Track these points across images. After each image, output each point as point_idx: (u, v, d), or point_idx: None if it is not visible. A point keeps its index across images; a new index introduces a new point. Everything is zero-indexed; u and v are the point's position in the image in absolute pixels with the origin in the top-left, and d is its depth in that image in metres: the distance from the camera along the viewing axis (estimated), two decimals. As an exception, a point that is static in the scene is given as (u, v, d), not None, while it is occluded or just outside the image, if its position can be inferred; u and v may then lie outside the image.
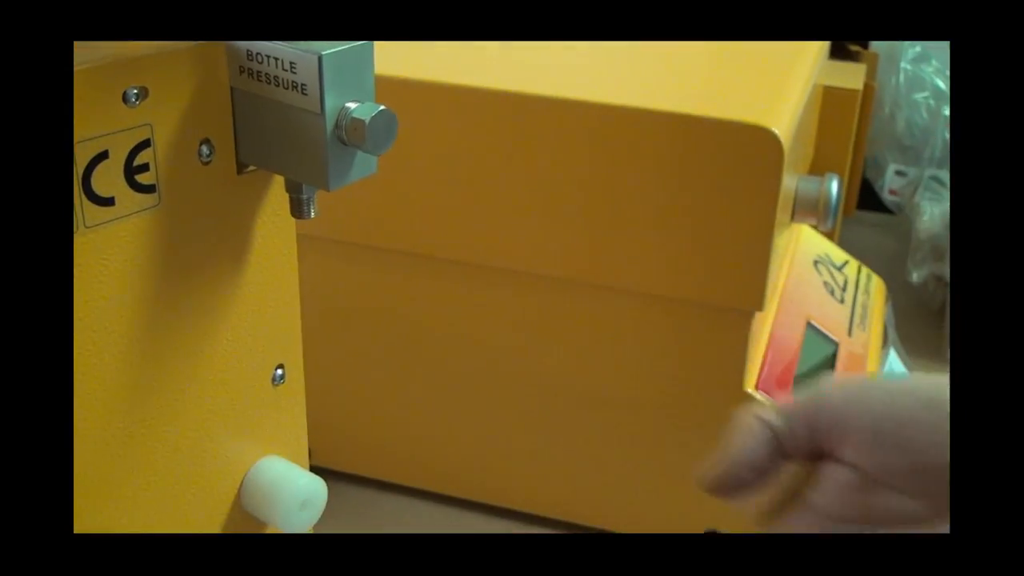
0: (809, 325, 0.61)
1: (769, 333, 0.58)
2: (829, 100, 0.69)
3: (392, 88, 0.34)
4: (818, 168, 0.69)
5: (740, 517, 0.55)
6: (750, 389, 0.53)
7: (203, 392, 0.36)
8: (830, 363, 0.61)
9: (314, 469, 0.40)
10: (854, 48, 0.78)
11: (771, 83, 0.54)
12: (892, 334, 0.71)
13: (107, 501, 0.34)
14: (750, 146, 0.48)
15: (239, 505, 0.39)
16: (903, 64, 0.85)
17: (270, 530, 0.40)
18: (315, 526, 0.39)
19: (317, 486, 0.38)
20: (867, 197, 0.90)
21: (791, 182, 0.54)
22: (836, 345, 0.62)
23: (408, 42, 0.55)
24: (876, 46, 0.80)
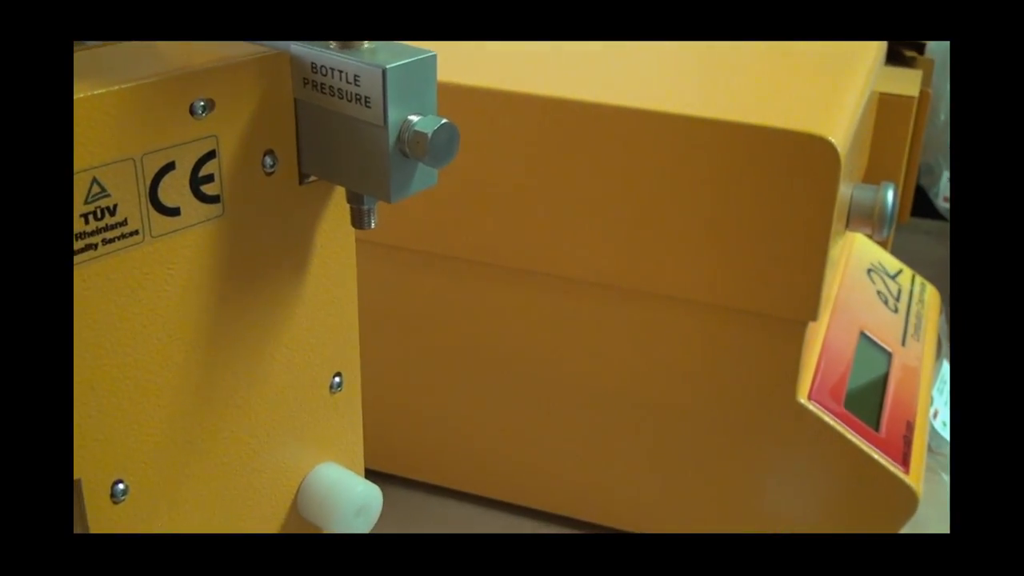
0: (862, 335, 0.61)
1: (822, 343, 0.58)
2: (884, 107, 0.68)
3: (442, 93, 0.34)
4: (872, 175, 0.69)
5: (786, 524, 0.55)
6: (802, 399, 0.53)
7: (263, 399, 0.37)
8: (883, 374, 0.60)
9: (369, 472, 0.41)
10: (909, 54, 0.77)
11: (827, 90, 0.54)
12: (946, 345, 0.71)
13: (168, 503, 0.35)
14: (806, 156, 0.48)
15: (295, 511, 0.39)
16: (959, 69, 0.84)
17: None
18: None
19: (373, 493, 0.39)
20: (921, 204, 0.89)
21: (846, 190, 0.53)
22: (890, 355, 0.62)
23: (454, 47, 0.56)
24: (932, 51, 0.79)
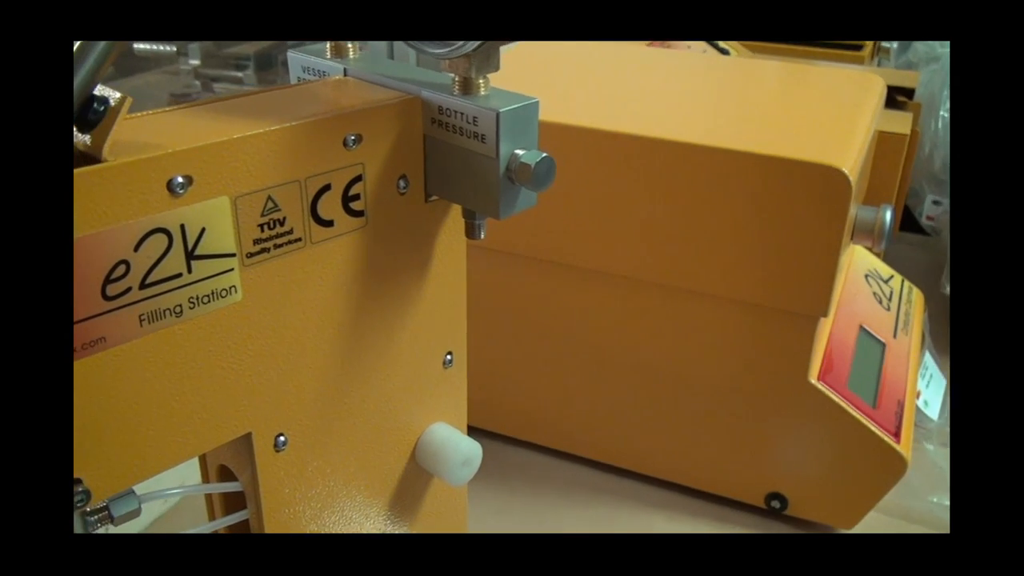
0: (861, 328, 0.60)
1: (828, 334, 0.57)
2: (882, 142, 0.67)
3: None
4: (871, 197, 0.68)
5: (797, 482, 0.55)
6: (813, 380, 0.53)
7: (391, 371, 0.37)
8: (879, 360, 0.59)
9: (470, 429, 0.41)
10: (901, 99, 0.76)
11: (839, 128, 0.53)
12: (928, 338, 0.69)
13: (318, 453, 0.35)
14: (822, 182, 0.47)
15: (414, 460, 0.40)
16: (942, 112, 0.83)
17: (436, 482, 0.41)
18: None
19: (475, 448, 0.39)
20: (908, 222, 0.88)
21: (852, 210, 0.53)
22: (884, 345, 0.61)
23: (548, 92, 0.55)
24: (920, 97, 0.78)
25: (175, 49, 1.02)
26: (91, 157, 0.27)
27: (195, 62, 1.02)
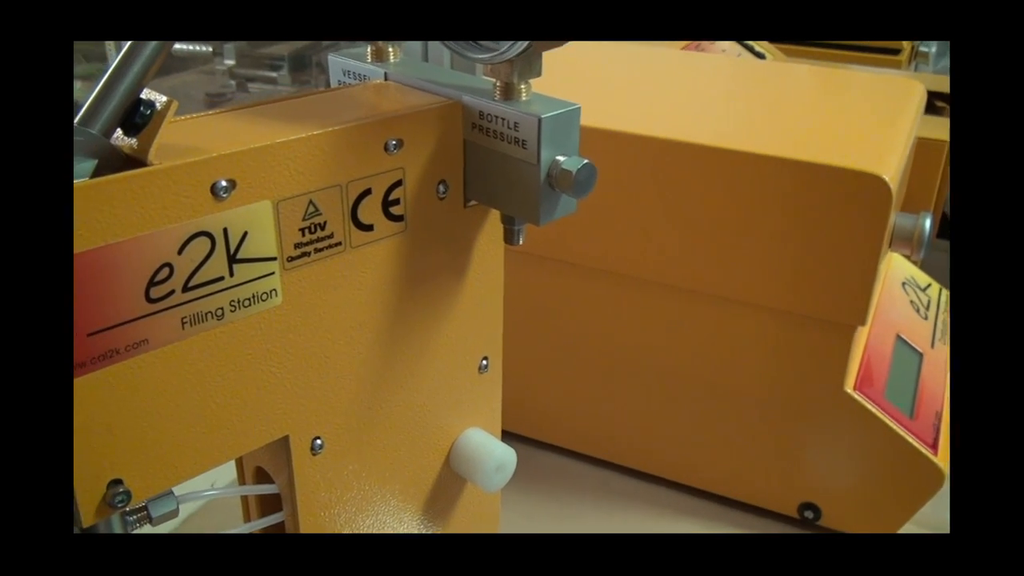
0: (898, 338, 0.59)
1: (865, 343, 0.56)
2: (921, 148, 0.66)
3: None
4: (910, 204, 0.67)
5: (831, 493, 0.54)
6: (849, 389, 0.52)
7: (427, 375, 0.37)
8: (916, 370, 0.58)
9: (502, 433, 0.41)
10: (940, 104, 0.75)
11: (879, 134, 0.52)
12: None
13: (354, 456, 0.35)
14: (864, 190, 0.47)
15: (448, 464, 0.40)
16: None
17: (470, 487, 0.41)
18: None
19: (510, 455, 0.39)
20: (946, 229, 0.86)
21: (891, 218, 0.52)
22: (921, 355, 0.60)
23: (589, 97, 0.55)
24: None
25: (211, 49, 1.03)
26: (137, 160, 0.27)
27: (230, 62, 1.03)
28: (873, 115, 0.56)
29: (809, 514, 0.56)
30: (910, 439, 0.52)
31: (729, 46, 0.91)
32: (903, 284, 0.65)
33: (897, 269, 0.66)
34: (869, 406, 0.52)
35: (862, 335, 0.55)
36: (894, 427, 0.52)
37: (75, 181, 0.25)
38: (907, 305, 0.63)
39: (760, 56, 0.92)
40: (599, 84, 0.62)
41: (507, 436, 0.63)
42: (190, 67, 1.06)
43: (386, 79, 0.36)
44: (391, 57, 0.37)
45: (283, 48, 1.03)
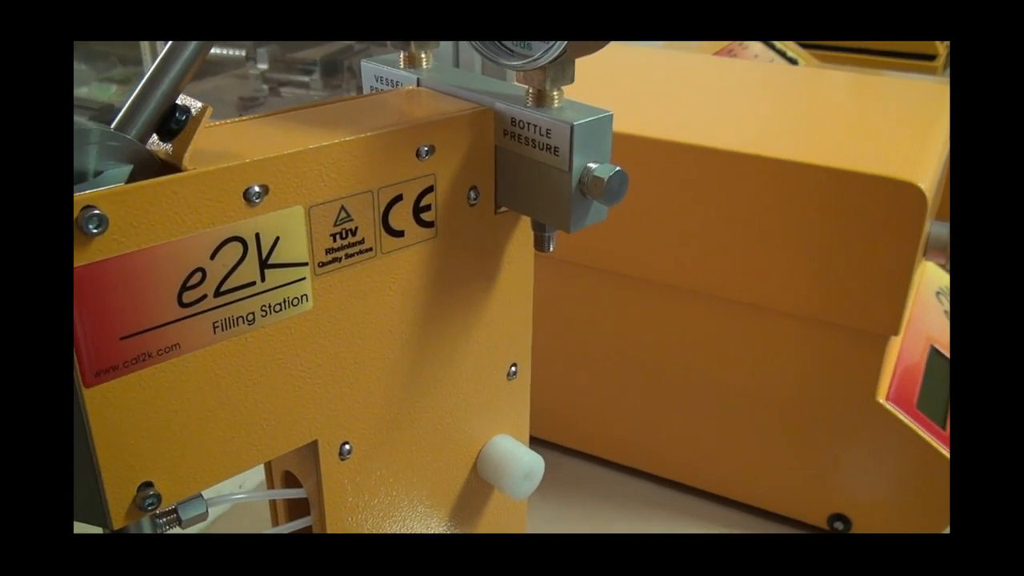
0: (931, 348, 0.58)
1: (898, 353, 0.56)
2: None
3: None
4: (944, 210, 0.66)
5: (861, 504, 0.54)
6: (881, 399, 0.51)
7: (456, 382, 0.37)
8: (949, 380, 0.58)
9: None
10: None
11: (914, 142, 0.51)
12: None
13: (382, 462, 0.35)
14: (899, 198, 0.46)
15: (476, 471, 0.39)
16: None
17: (497, 493, 0.41)
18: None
19: (538, 462, 0.39)
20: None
21: (926, 227, 0.51)
22: (955, 365, 0.59)
23: (623, 103, 0.55)
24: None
25: (244, 54, 1.03)
26: (172, 165, 0.27)
27: (263, 66, 1.04)
28: (908, 122, 0.55)
29: (839, 525, 0.55)
30: (942, 450, 0.51)
31: (761, 51, 0.90)
32: (937, 293, 0.64)
33: (931, 277, 0.65)
34: (901, 416, 0.51)
35: (895, 345, 0.55)
36: (926, 437, 0.51)
37: (111, 186, 0.26)
38: (941, 315, 0.62)
39: (793, 62, 0.91)
40: (632, 91, 0.61)
41: (535, 442, 0.63)
42: (223, 71, 1.07)
43: (418, 85, 0.36)
44: (423, 63, 0.37)
45: (315, 52, 1.04)
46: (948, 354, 0.59)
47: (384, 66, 0.37)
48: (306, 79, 1.02)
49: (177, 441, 0.29)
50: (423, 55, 0.37)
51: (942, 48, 1.05)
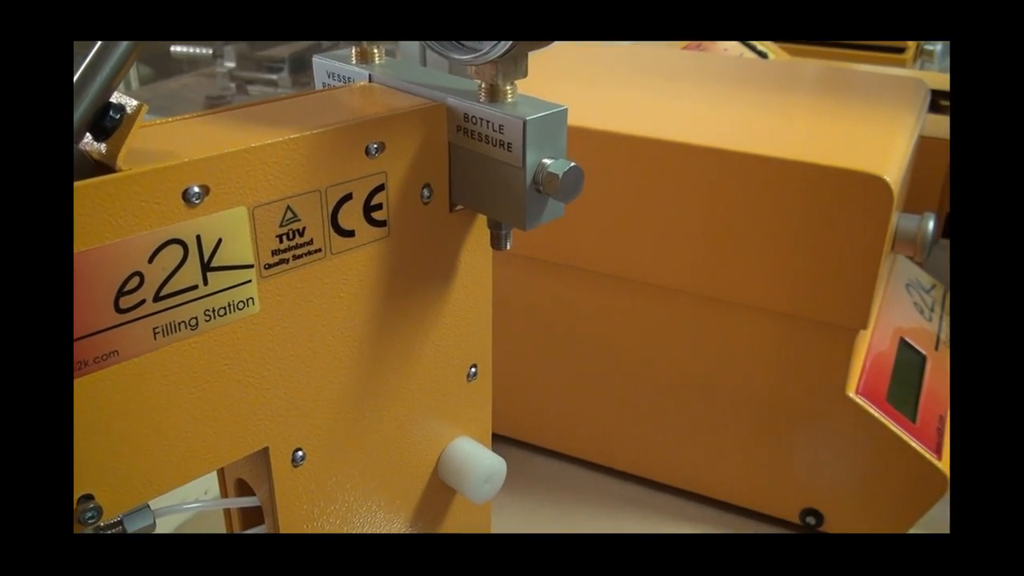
0: (901, 340, 0.58)
1: (867, 345, 0.55)
2: (925, 147, 0.65)
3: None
4: (913, 203, 0.65)
5: (833, 498, 0.53)
6: (851, 393, 0.51)
7: (414, 385, 0.36)
8: (919, 373, 0.57)
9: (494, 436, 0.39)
10: (944, 103, 0.74)
11: (881, 134, 0.51)
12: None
13: (337, 468, 0.34)
14: (865, 191, 0.46)
15: (436, 475, 0.38)
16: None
17: (459, 497, 0.40)
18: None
19: (499, 465, 0.38)
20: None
21: (894, 219, 0.51)
22: (924, 358, 0.59)
23: (578, 97, 0.54)
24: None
25: (211, 52, 1.02)
26: (106, 166, 0.26)
27: (230, 65, 1.02)
28: (875, 114, 0.55)
29: (811, 520, 0.55)
30: (912, 443, 0.51)
31: (731, 45, 0.89)
32: (907, 285, 0.64)
33: (901, 270, 0.65)
34: (871, 410, 0.51)
35: (864, 338, 0.54)
36: (896, 431, 0.50)
37: (37, 188, 0.24)
38: (911, 307, 0.62)
39: (763, 55, 0.90)
40: (598, 85, 0.60)
41: (503, 441, 0.62)
42: (190, 70, 1.05)
43: (370, 81, 0.35)
44: (376, 59, 0.36)
45: (283, 50, 1.02)
46: (918, 346, 0.59)
47: (335, 62, 0.36)
48: (274, 77, 1.01)
49: (117, 452, 0.28)
50: (375, 50, 0.36)
51: (911, 41, 1.05)
